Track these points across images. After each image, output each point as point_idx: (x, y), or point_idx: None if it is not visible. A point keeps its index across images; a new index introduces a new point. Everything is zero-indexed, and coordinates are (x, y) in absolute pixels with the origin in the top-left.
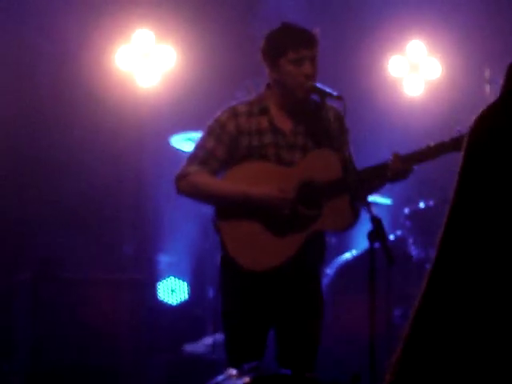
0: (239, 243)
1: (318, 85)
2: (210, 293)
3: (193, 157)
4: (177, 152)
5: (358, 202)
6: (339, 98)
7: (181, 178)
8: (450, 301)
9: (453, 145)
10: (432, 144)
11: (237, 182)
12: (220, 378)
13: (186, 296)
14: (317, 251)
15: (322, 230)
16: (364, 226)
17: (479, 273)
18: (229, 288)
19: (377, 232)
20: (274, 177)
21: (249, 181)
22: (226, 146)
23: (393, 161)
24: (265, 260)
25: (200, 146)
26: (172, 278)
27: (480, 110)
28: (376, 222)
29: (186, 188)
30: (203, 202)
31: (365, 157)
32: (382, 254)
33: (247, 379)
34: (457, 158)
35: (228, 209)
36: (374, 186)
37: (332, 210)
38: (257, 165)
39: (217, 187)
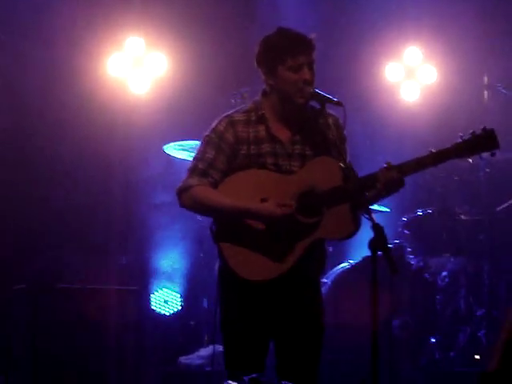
0: (239, 253)
1: (318, 90)
2: (204, 303)
3: (193, 169)
4: (170, 160)
5: (359, 210)
6: (339, 103)
7: (183, 191)
8: None
9: (455, 152)
10: (434, 150)
11: (236, 191)
12: None
13: (179, 307)
14: (317, 260)
15: (323, 238)
16: (360, 235)
17: None
18: (228, 298)
19: (378, 240)
20: (274, 185)
21: (248, 190)
22: (226, 156)
23: (384, 170)
24: (265, 270)
25: (200, 157)
26: (165, 288)
27: (478, 116)
28: (378, 230)
29: (189, 202)
30: (205, 215)
31: (360, 163)
32: (383, 262)
33: None
34: (455, 167)
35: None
36: (371, 195)
37: (333, 218)
38: (256, 173)
39: (218, 201)
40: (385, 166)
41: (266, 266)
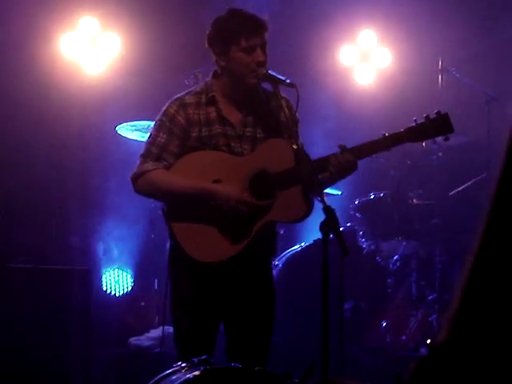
0: (191, 234)
1: (271, 72)
2: (155, 285)
3: (147, 154)
4: (123, 141)
5: (312, 193)
6: (292, 85)
7: (137, 176)
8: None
9: (408, 136)
10: (387, 134)
11: (189, 172)
12: (169, 371)
13: (130, 287)
14: (268, 242)
15: (275, 220)
16: (312, 218)
17: None
18: (178, 279)
19: (330, 222)
20: (227, 166)
21: (201, 171)
22: (179, 139)
23: (338, 154)
24: (217, 251)
25: (152, 141)
26: (116, 268)
27: (432, 101)
28: (329, 212)
29: (144, 187)
30: (161, 199)
31: (314, 147)
32: (334, 245)
33: (197, 372)
34: (408, 151)
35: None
36: (325, 178)
37: (285, 200)
38: (208, 154)
39: (175, 184)
40: (338, 148)
41: (218, 248)
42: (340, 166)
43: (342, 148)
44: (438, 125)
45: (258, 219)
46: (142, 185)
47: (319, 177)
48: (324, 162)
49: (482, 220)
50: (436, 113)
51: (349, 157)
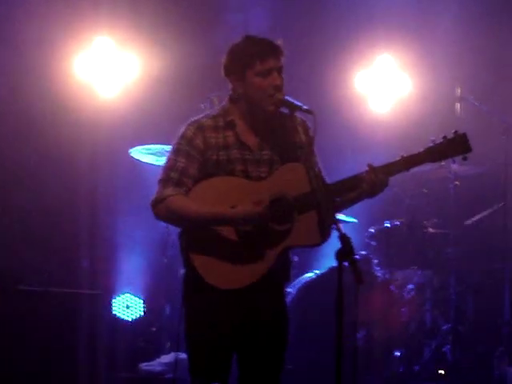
0: (209, 261)
1: (288, 98)
2: (167, 310)
3: (166, 179)
4: (136, 164)
5: (328, 218)
6: (309, 112)
7: (158, 202)
8: None
9: (427, 156)
10: (405, 155)
11: (206, 198)
12: None
13: (142, 312)
14: (282, 268)
15: (294, 245)
16: (327, 245)
17: None
18: (193, 306)
19: (345, 251)
20: (244, 192)
21: (218, 197)
22: (198, 162)
23: (368, 172)
24: (237, 278)
25: (171, 166)
26: (128, 294)
27: (449, 129)
28: (345, 240)
29: (164, 213)
30: (180, 225)
31: (329, 173)
32: (349, 273)
33: None
34: (424, 179)
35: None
36: (348, 199)
37: (303, 225)
38: (225, 180)
39: (193, 211)
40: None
41: (237, 274)
42: (372, 182)
43: (371, 166)
44: (456, 144)
45: (278, 244)
46: (161, 211)
47: (349, 195)
48: (356, 179)
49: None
50: (454, 132)
51: (380, 175)
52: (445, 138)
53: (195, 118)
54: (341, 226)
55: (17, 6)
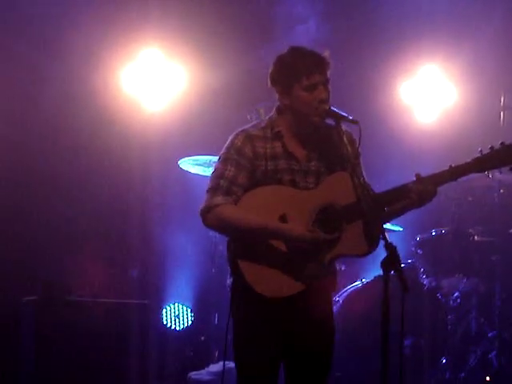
0: (258, 270)
1: (333, 108)
2: (215, 319)
3: (216, 187)
4: (185, 175)
5: (375, 227)
6: (355, 122)
7: (208, 211)
8: None
9: (475, 166)
10: (453, 165)
11: (255, 207)
12: None
13: (190, 322)
14: (330, 278)
15: (343, 254)
16: (373, 254)
17: None
18: (242, 316)
19: (391, 259)
20: (292, 201)
21: (267, 206)
22: (247, 171)
23: (416, 182)
24: (285, 287)
25: (220, 175)
26: (177, 303)
27: (494, 139)
28: (391, 249)
29: (214, 222)
30: (229, 234)
31: (375, 182)
32: (395, 281)
33: None
34: (469, 187)
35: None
36: (396, 209)
37: (351, 234)
38: (274, 189)
39: (241, 220)
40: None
41: (286, 283)
42: (420, 192)
43: (419, 176)
44: (503, 155)
45: (326, 253)
46: (211, 219)
47: (397, 205)
48: (403, 189)
49: None
50: (500, 143)
51: (428, 185)
52: (492, 148)
53: (243, 128)
54: (387, 234)
55: (65, 19)
